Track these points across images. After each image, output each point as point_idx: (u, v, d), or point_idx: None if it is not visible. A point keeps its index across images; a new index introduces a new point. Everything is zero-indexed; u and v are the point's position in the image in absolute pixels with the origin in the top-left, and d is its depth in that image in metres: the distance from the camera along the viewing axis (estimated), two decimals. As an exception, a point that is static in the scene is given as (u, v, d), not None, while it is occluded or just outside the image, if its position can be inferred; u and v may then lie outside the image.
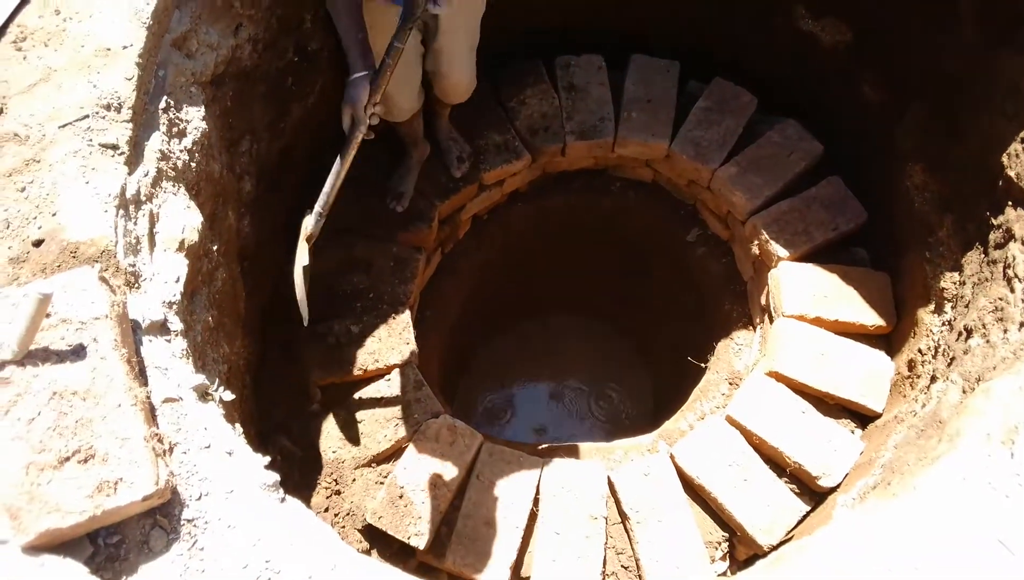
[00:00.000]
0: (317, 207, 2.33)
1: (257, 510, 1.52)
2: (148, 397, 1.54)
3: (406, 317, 2.83)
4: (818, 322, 2.71)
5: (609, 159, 3.23)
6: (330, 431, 2.69)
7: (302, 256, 2.33)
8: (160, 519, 1.47)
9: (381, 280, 2.89)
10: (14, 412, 1.42)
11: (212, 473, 1.53)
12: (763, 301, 2.92)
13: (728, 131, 3.07)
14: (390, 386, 2.72)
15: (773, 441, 2.51)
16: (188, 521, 1.48)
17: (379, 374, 2.75)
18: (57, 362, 1.45)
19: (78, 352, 1.46)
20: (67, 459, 1.39)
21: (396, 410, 2.69)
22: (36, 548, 1.38)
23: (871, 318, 2.71)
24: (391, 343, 2.78)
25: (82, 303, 1.50)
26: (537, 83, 3.23)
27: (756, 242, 2.93)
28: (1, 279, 1.65)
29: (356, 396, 2.72)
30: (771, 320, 2.83)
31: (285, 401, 2.71)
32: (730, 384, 2.91)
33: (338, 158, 2.28)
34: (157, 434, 1.49)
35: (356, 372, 2.75)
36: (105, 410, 1.43)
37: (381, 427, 2.66)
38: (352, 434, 2.67)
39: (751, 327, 3.05)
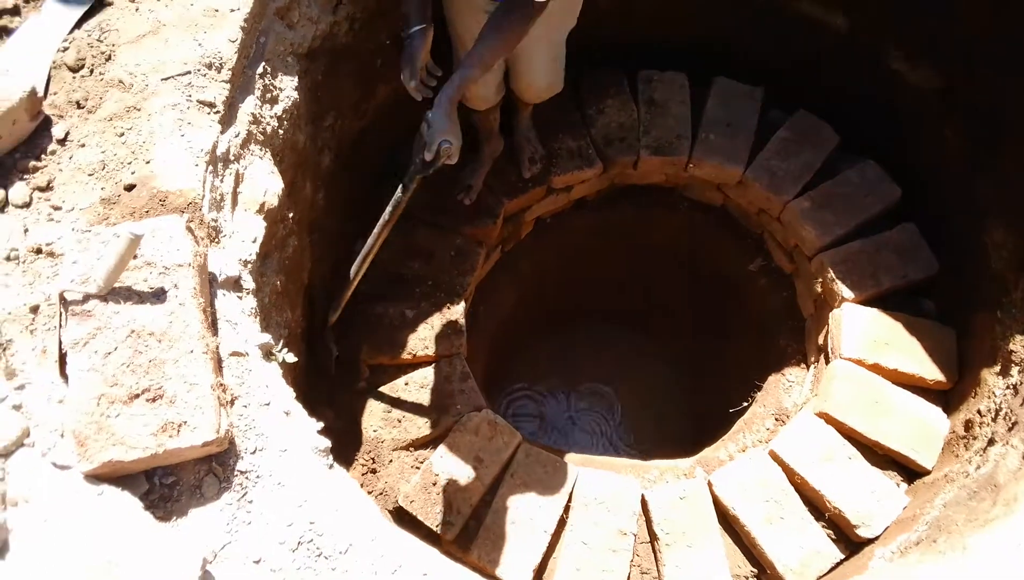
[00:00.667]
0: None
1: (307, 472, 1.55)
2: (217, 348, 1.58)
3: (460, 308, 2.85)
4: (876, 369, 2.65)
5: (681, 178, 3.21)
6: (373, 410, 2.72)
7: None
8: (215, 467, 1.51)
9: (440, 269, 2.92)
10: (92, 344, 1.47)
11: (269, 430, 1.56)
12: (820, 340, 2.87)
13: (806, 164, 3.03)
14: (437, 374, 2.75)
15: (815, 483, 2.47)
16: (241, 473, 1.52)
17: (428, 361, 2.78)
18: (138, 302, 1.50)
19: (159, 295, 1.51)
20: (137, 396, 1.43)
21: (439, 398, 2.71)
22: (97, 477, 1.43)
23: (931, 372, 2.64)
24: (443, 332, 2.81)
25: (168, 249, 1.55)
26: (618, 94, 3.23)
27: (821, 279, 2.88)
28: (91, 217, 1.72)
29: (403, 379, 2.75)
30: (827, 361, 2.78)
31: (333, 375, 2.75)
32: (776, 419, 2.87)
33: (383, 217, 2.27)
34: (223, 384, 1.53)
35: (405, 356, 2.78)
36: (178, 354, 1.47)
37: (423, 413, 2.69)
38: (394, 416, 2.70)
39: (804, 365, 3.00)
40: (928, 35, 2.75)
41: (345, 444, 2.62)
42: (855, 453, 2.55)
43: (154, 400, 1.43)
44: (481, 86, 2.65)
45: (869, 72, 2.97)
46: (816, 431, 2.57)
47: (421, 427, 2.66)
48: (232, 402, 1.56)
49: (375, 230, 2.29)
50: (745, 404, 3.05)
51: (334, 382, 2.73)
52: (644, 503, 2.55)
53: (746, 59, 3.18)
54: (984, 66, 2.61)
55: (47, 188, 1.74)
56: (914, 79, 2.87)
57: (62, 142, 1.78)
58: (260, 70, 2.03)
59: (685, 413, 3.75)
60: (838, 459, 2.52)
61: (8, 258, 1.65)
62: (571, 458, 2.76)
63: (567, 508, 2.53)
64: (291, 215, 2.14)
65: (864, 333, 2.71)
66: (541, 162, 3.09)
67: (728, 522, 2.51)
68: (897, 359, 2.67)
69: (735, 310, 3.43)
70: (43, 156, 1.76)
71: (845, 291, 2.78)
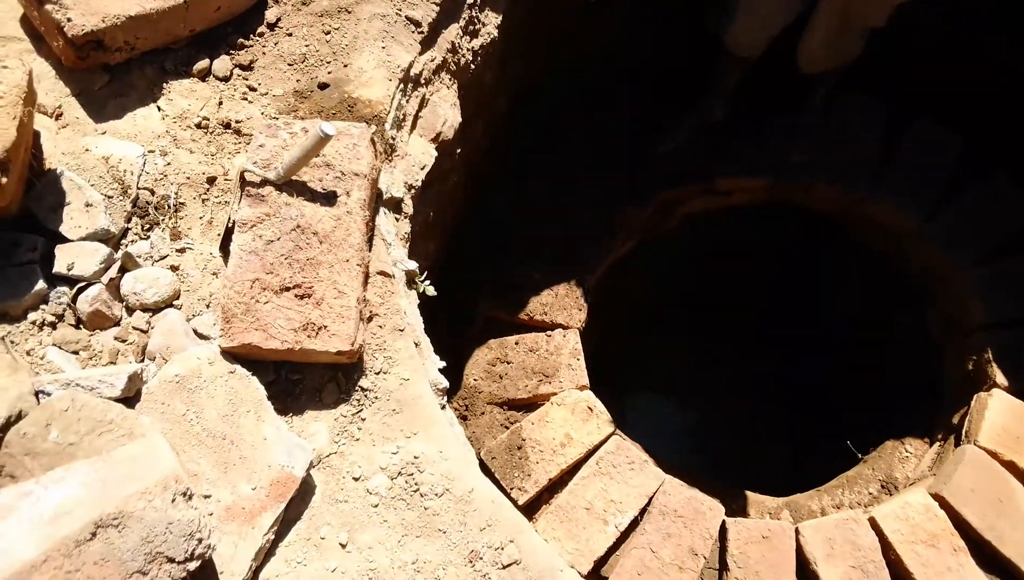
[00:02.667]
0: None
1: (422, 406, 1.55)
2: (368, 263, 1.60)
3: (589, 285, 2.80)
4: (1009, 466, 2.45)
5: (852, 213, 3.02)
6: (478, 360, 2.72)
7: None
8: (339, 377, 1.53)
9: (579, 241, 2.87)
10: (259, 229, 1.50)
11: (397, 355, 1.57)
12: (955, 420, 2.67)
13: (992, 231, 2.78)
14: (548, 342, 2.72)
15: (910, 564, 2.31)
16: (362, 389, 1.53)
17: (543, 326, 2.75)
18: (309, 200, 1.52)
19: (330, 198, 1.52)
20: (288, 289, 1.46)
21: (545, 366, 2.68)
22: (233, 355, 1.48)
23: (1070, 488, 2.42)
24: (565, 303, 2.77)
25: (349, 156, 1.56)
26: (809, 111, 3.05)
27: (974, 358, 2.67)
28: (281, 106, 1.75)
29: (514, 338, 2.74)
30: (956, 442, 2.59)
31: (449, 315, 2.76)
32: (882, 486, 2.70)
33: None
34: (367, 299, 1.55)
35: (522, 316, 2.76)
36: (334, 259, 1.48)
37: (525, 376, 2.67)
38: (497, 371, 2.70)
39: (928, 440, 2.81)
40: None
41: (445, 384, 2.64)
42: (962, 546, 2.37)
43: (303, 297, 1.46)
44: (756, 28, 2.56)
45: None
46: (926, 511, 2.40)
47: (520, 389, 2.65)
48: (370, 318, 1.57)
49: None
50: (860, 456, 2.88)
51: (448, 322, 2.75)
52: (723, 529, 2.46)
53: (949, 106, 2.93)
54: None
55: (248, 67, 1.78)
56: None
57: (272, 27, 1.82)
58: (469, 0, 2.00)
59: (780, 451, 3.60)
60: (942, 547, 2.35)
61: (199, 125, 1.71)
62: (659, 463, 2.69)
63: (643, 511, 2.47)
64: (459, 151, 2.13)
65: (1007, 426, 2.50)
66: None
67: (806, 576, 2.39)
68: (1036, 463, 2.45)
69: (868, 363, 3.23)
70: (251, 36, 1.81)
71: (999, 376, 2.57)
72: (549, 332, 2.74)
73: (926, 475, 2.60)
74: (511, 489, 2.45)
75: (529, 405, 2.65)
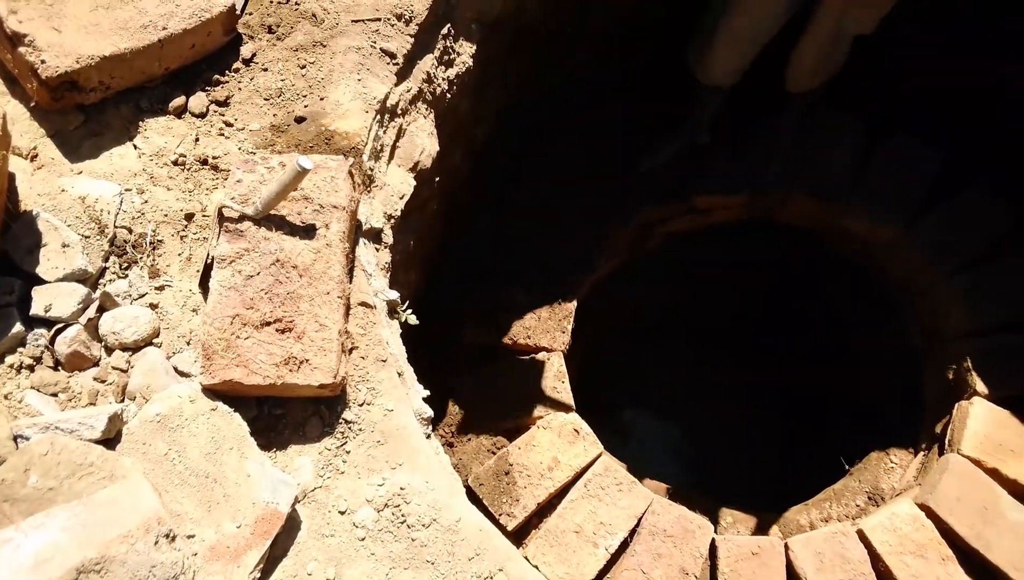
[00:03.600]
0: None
1: (407, 437, 1.55)
2: (349, 295, 1.60)
3: (571, 306, 2.81)
4: (994, 474, 2.47)
5: (828, 226, 3.05)
6: (463, 386, 2.72)
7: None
8: (323, 410, 1.53)
9: (561, 261, 2.88)
10: (238, 264, 1.50)
11: (380, 386, 1.57)
12: (938, 429, 2.69)
13: (970, 241, 2.81)
14: (533, 366, 2.72)
15: (900, 574, 2.31)
16: (345, 422, 1.53)
17: (527, 350, 2.76)
18: (288, 234, 1.53)
19: (309, 231, 1.53)
20: (268, 324, 1.46)
21: (530, 391, 2.68)
22: (214, 392, 1.47)
23: (1054, 493, 2.44)
24: (548, 326, 2.78)
25: (327, 189, 1.56)
26: (786, 127, 3.08)
27: (955, 366, 2.70)
28: (258, 141, 1.76)
29: (498, 363, 2.74)
30: (940, 452, 2.60)
31: (432, 344, 2.76)
32: (869, 498, 2.71)
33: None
34: (348, 331, 1.54)
35: (506, 341, 2.77)
36: (315, 293, 1.49)
37: (510, 401, 2.67)
38: (481, 397, 2.70)
39: (913, 450, 2.83)
40: None
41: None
42: (950, 555, 2.38)
43: (284, 332, 1.46)
44: (734, 55, 2.58)
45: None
46: (913, 521, 2.41)
47: (505, 415, 2.64)
48: (352, 351, 1.57)
49: None
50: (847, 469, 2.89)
51: (433, 350, 2.74)
52: (713, 548, 2.46)
53: (926, 121, 2.98)
54: None
55: (224, 103, 1.79)
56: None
57: (247, 62, 1.83)
58: (444, 31, 2.03)
59: (767, 465, 3.61)
60: (930, 556, 2.36)
61: (175, 162, 1.71)
62: (646, 482, 2.70)
63: (633, 532, 2.47)
64: (437, 180, 2.14)
65: (990, 434, 2.52)
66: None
67: (797, 591, 2.39)
68: (1020, 470, 2.47)
69: (850, 374, 3.26)
70: (227, 72, 1.82)
71: (979, 385, 2.59)
72: (533, 355, 2.74)
73: (912, 485, 2.62)
74: (500, 515, 2.44)
75: (516, 430, 2.64)
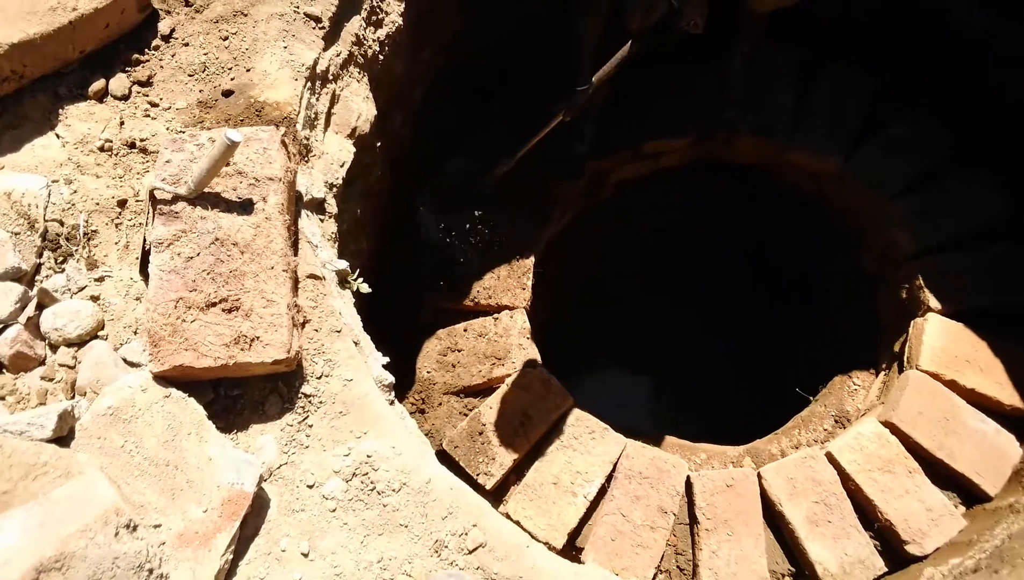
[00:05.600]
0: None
1: (369, 405, 1.53)
2: (296, 268, 1.57)
3: (529, 263, 2.80)
4: (952, 385, 2.53)
5: (774, 162, 3.07)
6: (429, 351, 2.71)
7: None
8: (280, 387, 1.51)
9: (516, 222, 2.86)
10: (176, 246, 1.46)
11: (337, 357, 1.55)
12: (896, 347, 2.75)
13: (911, 165, 2.85)
14: (496, 325, 2.71)
15: (869, 491, 2.38)
16: (305, 396, 1.51)
17: (489, 310, 2.75)
18: (225, 210, 1.49)
19: (246, 206, 1.49)
20: (214, 304, 1.42)
21: (496, 349, 2.68)
22: (166, 379, 1.44)
23: (1010, 397, 2.51)
24: (508, 284, 2.77)
25: (260, 161, 1.52)
26: (723, 65, 3.08)
27: (908, 286, 2.75)
28: (186, 118, 1.70)
29: (462, 325, 2.73)
30: (900, 369, 2.67)
31: (394, 311, 2.74)
32: (836, 421, 2.77)
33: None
34: (298, 305, 1.52)
35: (467, 302, 2.76)
36: (259, 268, 1.45)
37: (478, 362, 2.67)
38: (449, 360, 2.69)
39: (874, 371, 2.89)
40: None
41: (397, 381, 2.61)
42: (916, 467, 2.45)
43: (231, 311, 1.43)
44: None
45: (999, 81, 2.77)
46: (878, 439, 2.48)
47: (474, 375, 2.64)
48: (304, 324, 1.55)
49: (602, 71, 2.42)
50: (812, 398, 2.95)
51: (395, 318, 2.72)
52: (689, 484, 2.50)
53: (861, 49, 2.99)
54: None
55: (147, 83, 1.72)
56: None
57: (166, 39, 1.77)
58: (368, -10, 1.97)
59: (737, 401, 3.67)
60: (897, 471, 2.43)
61: (102, 149, 1.65)
62: (619, 429, 2.72)
63: (610, 478, 2.50)
64: (378, 144, 2.10)
65: (945, 347, 2.58)
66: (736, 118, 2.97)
67: (773, 517, 2.44)
68: (976, 378, 2.54)
69: (808, 304, 3.31)
70: (146, 51, 1.75)
71: (932, 301, 2.65)
72: (496, 315, 2.74)
73: (875, 404, 2.68)
74: (478, 475, 2.45)
75: (485, 390, 2.65)
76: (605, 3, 2.19)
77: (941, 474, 2.48)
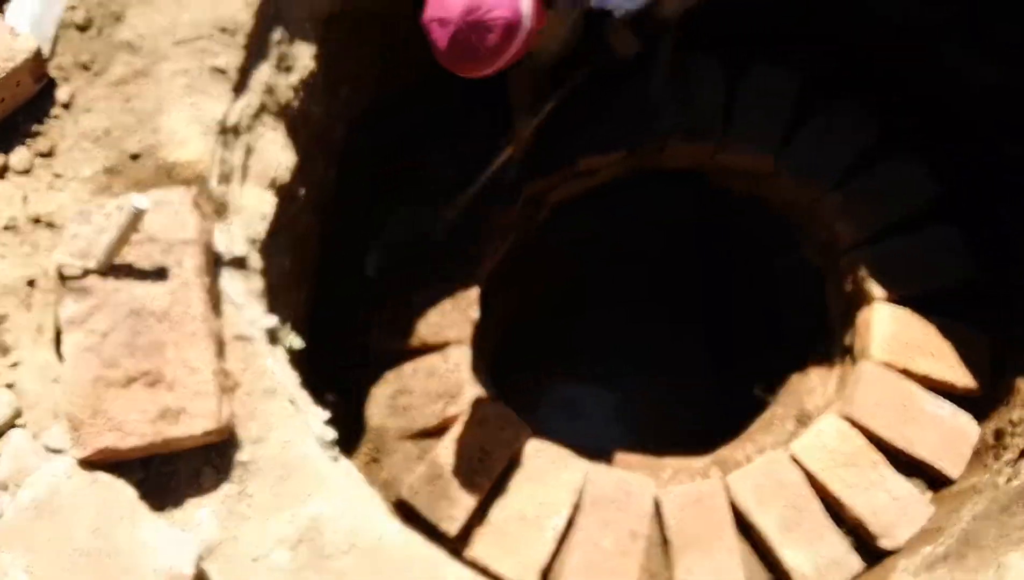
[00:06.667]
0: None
1: (310, 465, 1.47)
2: (221, 331, 1.50)
3: (474, 294, 2.76)
4: (905, 373, 2.55)
5: (709, 165, 3.09)
6: (378, 397, 2.64)
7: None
8: (214, 457, 1.44)
9: (455, 253, 2.83)
10: (90, 323, 1.39)
11: (272, 419, 1.49)
12: (848, 340, 2.77)
13: (843, 156, 2.89)
14: (446, 362, 2.66)
15: (836, 489, 2.38)
16: (241, 464, 1.45)
17: (437, 347, 2.70)
18: (139, 280, 1.42)
19: (161, 273, 1.43)
20: (135, 379, 1.36)
21: (447, 386, 2.62)
22: (91, 463, 1.37)
23: (963, 378, 2.54)
24: (454, 318, 2.72)
25: (172, 225, 1.47)
26: (647, 76, 3.10)
27: (852, 277, 2.77)
28: (94, 187, 1.64)
29: (410, 366, 2.67)
30: (853, 362, 2.68)
31: (338, 359, 2.67)
32: (797, 421, 2.77)
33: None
34: (225, 370, 1.46)
35: (414, 341, 2.70)
36: (179, 337, 1.39)
37: (430, 402, 2.61)
38: (400, 404, 2.62)
39: (829, 366, 2.90)
40: (988, 29, 2.62)
41: (348, 432, 2.55)
42: (879, 459, 2.46)
43: (153, 384, 1.36)
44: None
45: (921, 64, 2.84)
46: (839, 435, 2.48)
47: (427, 417, 2.58)
48: (234, 388, 1.48)
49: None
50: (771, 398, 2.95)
51: (340, 366, 2.66)
52: (657, 504, 2.47)
53: (786, 46, 3.04)
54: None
55: (49, 154, 1.65)
56: (971, 76, 2.74)
57: (66, 106, 1.70)
58: (277, 36, 1.93)
59: (698, 408, 3.66)
60: (861, 464, 2.43)
61: (6, 228, 1.58)
62: (581, 452, 2.68)
63: (576, 506, 2.45)
64: (302, 191, 2.05)
65: (894, 335, 2.60)
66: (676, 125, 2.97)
67: (745, 527, 2.42)
68: (927, 363, 2.56)
69: (758, 304, 3.33)
70: (46, 120, 1.68)
71: (877, 290, 2.67)
72: (444, 351, 2.68)
73: (833, 400, 2.68)
74: (440, 521, 2.38)
75: (440, 430, 2.58)
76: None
77: (904, 462, 2.49)
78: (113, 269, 1.42)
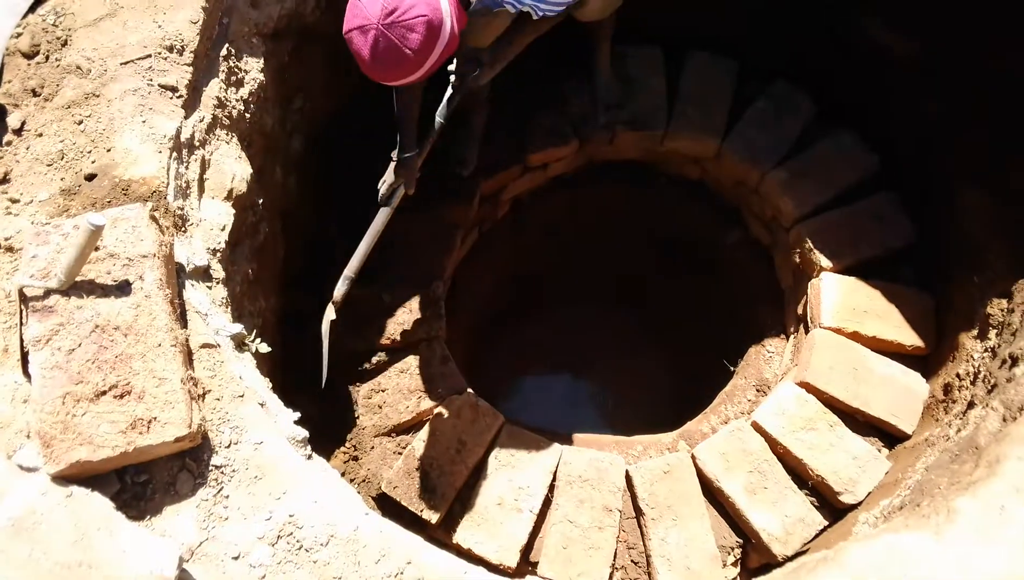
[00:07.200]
0: (347, 271, 2.41)
1: (284, 464, 1.52)
2: (187, 340, 1.54)
3: (438, 291, 2.81)
4: (855, 337, 2.66)
5: (657, 152, 3.18)
6: (353, 396, 2.68)
7: (329, 313, 2.42)
8: (189, 463, 1.48)
9: (417, 253, 2.88)
10: (55, 341, 1.42)
11: (243, 423, 1.53)
12: (800, 310, 2.87)
13: (782, 135, 3.01)
14: (417, 358, 2.71)
15: (797, 452, 2.47)
16: (216, 468, 1.49)
17: (407, 345, 2.75)
18: (101, 296, 1.46)
19: (123, 288, 1.46)
20: (104, 393, 1.39)
21: (420, 382, 2.68)
22: (65, 478, 1.40)
23: (910, 338, 2.65)
24: (421, 315, 2.77)
25: (131, 240, 1.50)
26: (599, 70, 3.17)
27: (799, 250, 2.87)
28: (51, 209, 1.66)
29: (382, 364, 2.72)
30: (806, 330, 2.78)
31: (311, 362, 2.71)
32: (757, 391, 2.87)
33: (373, 223, 2.40)
34: (193, 378, 1.50)
35: (384, 341, 2.74)
36: (145, 348, 1.43)
37: (404, 398, 2.66)
38: (374, 402, 2.67)
39: (784, 336, 3.00)
40: (908, 3, 2.73)
41: (325, 432, 2.59)
42: (836, 421, 2.55)
43: (122, 397, 1.40)
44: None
45: (847, 40, 2.94)
46: (797, 400, 2.57)
47: (402, 412, 2.63)
48: (204, 395, 1.52)
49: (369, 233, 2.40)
50: (732, 370, 3.04)
51: (314, 370, 2.69)
52: (629, 479, 2.55)
53: (719, 33, 3.13)
54: (964, 34, 2.59)
55: (4, 180, 1.68)
56: (893, 47, 2.84)
57: (18, 132, 1.72)
58: (224, 52, 1.96)
59: (665, 389, 3.75)
60: (820, 427, 2.53)
61: (-35, 255, 1.60)
62: (555, 437, 2.75)
63: (552, 487, 2.52)
64: (261, 201, 2.09)
65: (843, 302, 2.71)
66: (612, 112, 3.01)
67: (713, 494, 2.51)
68: (876, 326, 2.67)
69: (713, 284, 3.42)
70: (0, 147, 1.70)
71: (823, 261, 2.77)
72: (414, 348, 2.74)
73: (790, 368, 2.78)
74: (422, 511, 2.44)
75: (416, 424, 2.64)
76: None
77: (861, 422, 2.59)
78: (75, 287, 1.45)
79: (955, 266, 2.63)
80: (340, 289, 2.41)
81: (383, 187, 2.37)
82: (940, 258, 2.73)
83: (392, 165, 2.34)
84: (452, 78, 2.37)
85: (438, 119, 2.31)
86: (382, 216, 2.41)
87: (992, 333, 2.34)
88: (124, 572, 1.33)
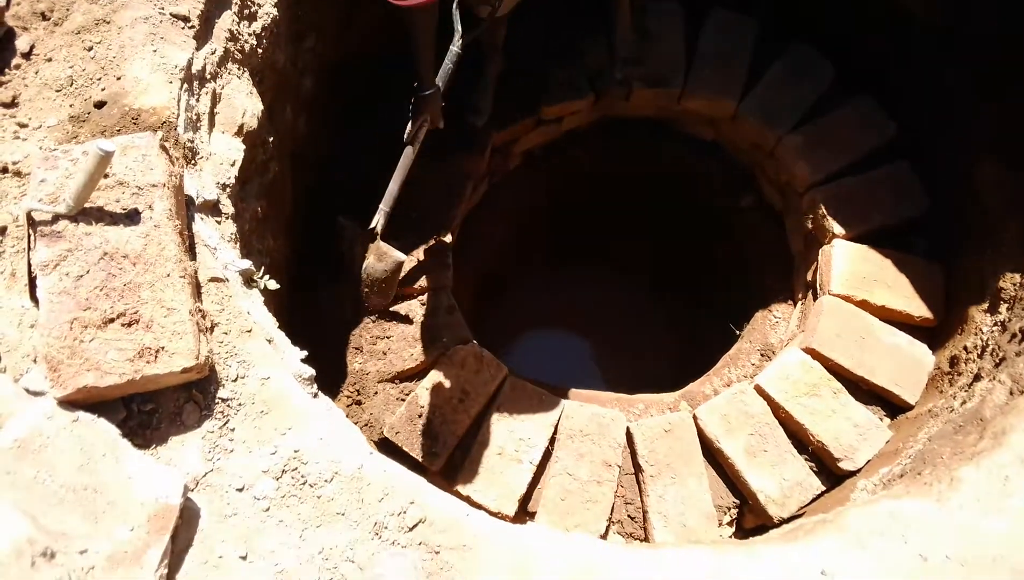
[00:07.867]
0: (383, 205, 2.47)
1: (290, 400, 1.52)
2: (195, 273, 1.53)
3: (447, 241, 2.80)
4: (863, 305, 2.65)
5: (673, 111, 3.13)
6: (358, 342, 2.68)
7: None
8: (195, 394, 1.48)
9: (427, 202, 2.85)
10: (63, 267, 1.41)
11: (251, 357, 1.52)
12: (809, 277, 2.85)
13: (800, 99, 2.96)
14: (423, 306, 2.71)
15: (799, 416, 2.48)
16: (222, 400, 1.49)
17: (414, 293, 2.74)
18: (110, 223, 1.44)
19: (132, 216, 1.45)
20: (112, 321, 1.38)
21: (426, 331, 2.67)
22: (72, 403, 1.39)
23: (918, 309, 2.64)
24: (429, 265, 2.76)
25: (141, 169, 1.48)
26: (619, 26, 3.10)
27: (811, 216, 2.84)
28: (60, 136, 1.64)
29: (388, 311, 2.71)
30: (815, 297, 2.77)
31: (319, 305, 2.71)
32: (762, 355, 2.87)
33: (400, 161, 2.43)
34: (202, 310, 1.49)
35: (391, 289, 2.74)
36: (154, 278, 1.42)
37: (409, 346, 2.66)
38: (379, 348, 2.67)
39: (791, 302, 2.99)
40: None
41: (330, 376, 2.60)
42: (840, 388, 2.55)
43: (130, 325, 1.39)
44: None
45: (869, 3, 2.88)
46: (802, 366, 2.57)
47: (406, 359, 2.63)
48: (212, 328, 1.52)
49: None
50: (737, 334, 3.03)
51: (321, 313, 2.69)
52: (629, 435, 2.56)
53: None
54: (985, 3, 2.53)
55: (12, 104, 1.65)
56: (917, 12, 2.78)
57: (27, 56, 1.69)
58: (237, -17, 1.92)
59: (668, 350, 3.75)
60: (823, 394, 2.53)
61: (-27, 177, 1.58)
62: (557, 391, 2.76)
63: (553, 440, 2.53)
64: (271, 139, 2.06)
65: (853, 270, 2.69)
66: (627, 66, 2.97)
67: (712, 454, 2.52)
68: (885, 296, 2.65)
69: (723, 246, 3.39)
70: (7, 71, 1.67)
71: (836, 227, 2.75)
72: (421, 297, 2.73)
73: (796, 334, 2.77)
74: (423, 458, 2.46)
75: (420, 372, 2.64)
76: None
77: (864, 391, 2.59)
78: (83, 213, 1.43)
79: (968, 239, 2.61)
80: (378, 219, 2.49)
81: (409, 126, 2.38)
82: (953, 230, 2.70)
83: (414, 102, 2.34)
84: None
85: (453, 48, 2.31)
86: (408, 154, 2.44)
87: (1003, 307, 2.32)
88: (129, 497, 1.34)
